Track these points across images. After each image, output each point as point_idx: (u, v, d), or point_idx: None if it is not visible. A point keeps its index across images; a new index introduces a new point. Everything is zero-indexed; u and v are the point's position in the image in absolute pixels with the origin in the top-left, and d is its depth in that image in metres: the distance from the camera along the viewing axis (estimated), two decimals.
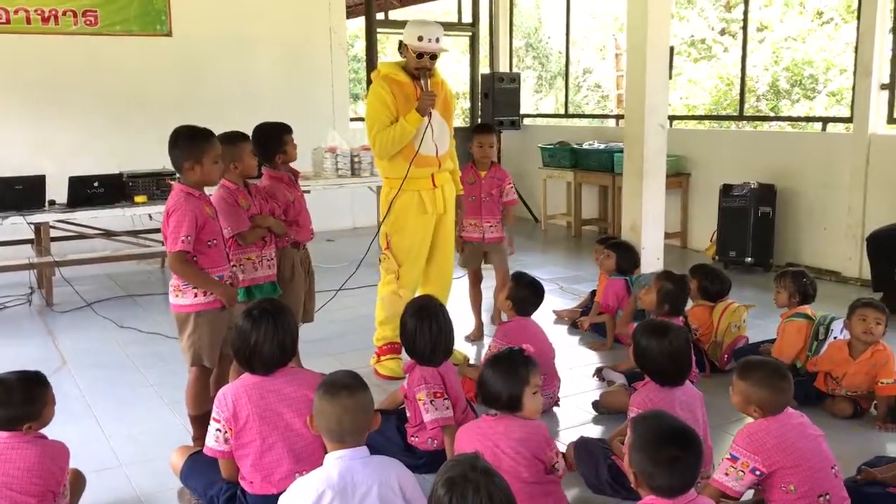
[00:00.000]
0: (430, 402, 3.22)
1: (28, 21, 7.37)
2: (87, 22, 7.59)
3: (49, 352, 5.01)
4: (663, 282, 4.29)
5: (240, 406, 2.76)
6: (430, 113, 4.34)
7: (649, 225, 5.44)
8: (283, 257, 4.10)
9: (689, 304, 4.67)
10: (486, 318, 5.33)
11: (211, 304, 3.37)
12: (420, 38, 4.32)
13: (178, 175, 3.50)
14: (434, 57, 4.40)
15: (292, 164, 4.32)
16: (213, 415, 2.81)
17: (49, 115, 7.58)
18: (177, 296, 3.39)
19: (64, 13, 7.49)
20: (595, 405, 3.97)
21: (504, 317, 4.28)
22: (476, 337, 5.14)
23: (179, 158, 3.35)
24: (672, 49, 6.24)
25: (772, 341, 4.43)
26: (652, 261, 5.46)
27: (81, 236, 6.77)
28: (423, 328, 3.36)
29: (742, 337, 4.52)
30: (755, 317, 4.86)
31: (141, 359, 4.87)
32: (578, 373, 4.54)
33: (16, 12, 7.31)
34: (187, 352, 3.40)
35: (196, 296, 3.36)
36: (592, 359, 4.82)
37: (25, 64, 7.44)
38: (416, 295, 4.18)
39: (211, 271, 3.37)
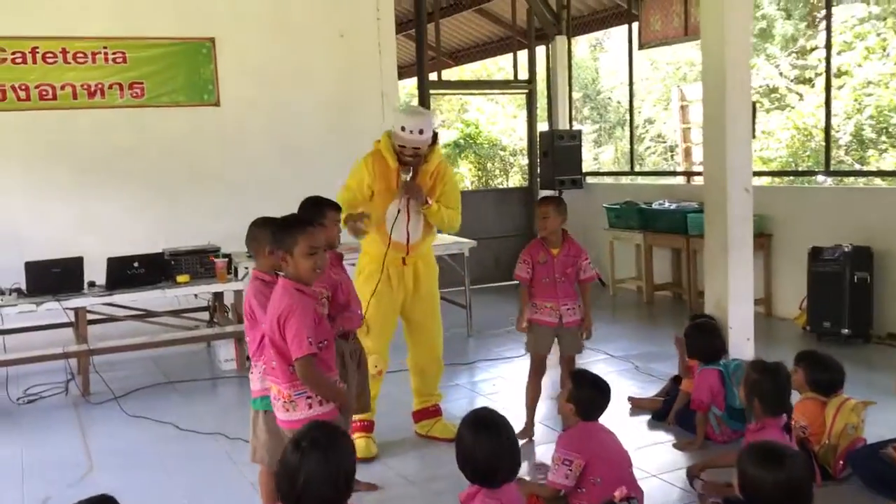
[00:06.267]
0: None
1: (74, 96, 7.22)
2: (134, 94, 7.42)
3: (77, 453, 4.60)
4: (749, 372, 3.68)
5: None
6: (407, 201, 4.34)
7: (737, 301, 4.80)
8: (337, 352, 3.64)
9: (797, 396, 4.04)
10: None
11: (329, 413, 3.02)
12: (403, 129, 4.25)
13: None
14: (418, 148, 4.30)
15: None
16: None
17: (94, 190, 7.37)
18: (287, 409, 3.03)
19: (110, 86, 7.33)
20: None
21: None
22: (524, 437, 4.39)
23: (290, 246, 3.02)
24: (754, 105, 5.67)
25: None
26: (741, 341, 4.82)
27: (118, 318, 6.46)
28: (482, 442, 2.82)
29: (860, 439, 3.85)
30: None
31: (174, 459, 4.44)
32: (664, 479, 3.93)
33: (62, 87, 7.17)
34: None
35: (311, 407, 3.02)
36: (679, 460, 4.20)
37: (71, 139, 7.26)
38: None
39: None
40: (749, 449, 2.69)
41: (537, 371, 4.56)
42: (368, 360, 4.09)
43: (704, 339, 4.55)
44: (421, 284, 4.50)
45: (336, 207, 3.79)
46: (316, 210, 3.68)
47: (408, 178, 4.33)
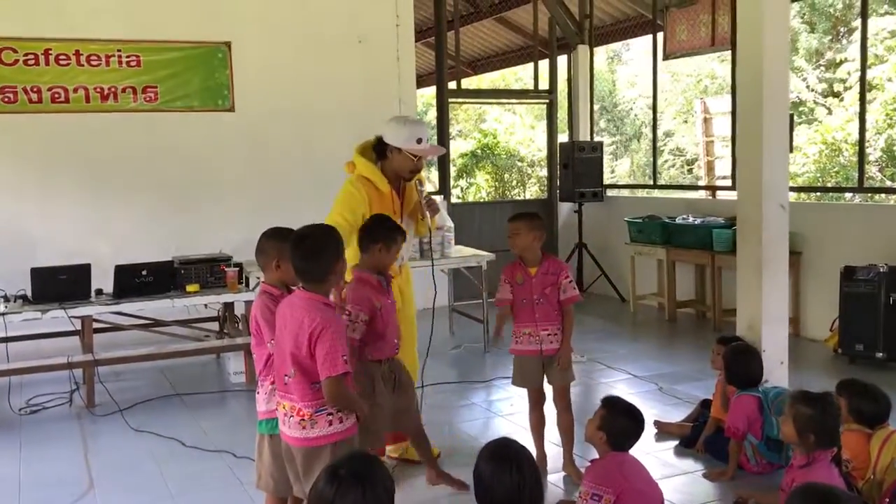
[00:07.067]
0: None
1: (87, 99, 7.09)
2: (147, 98, 7.28)
3: (78, 471, 4.40)
4: (798, 406, 3.41)
5: None
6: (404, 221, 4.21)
7: (771, 324, 4.56)
8: (362, 372, 3.47)
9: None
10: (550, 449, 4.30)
11: (349, 429, 2.90)
12: (419, 141, 4.11)
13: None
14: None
15: None
16: None
17: (105, 195, 7.24)
18: (304, 427, 2.86)
19: (123, 90, 7.19)
20: None
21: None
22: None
23: (325, 264, 2.89)
24: (792, 117, 5.44)
25: None
26: (774, 366, 4.58)
27: (125, 327, 6.27)
28: (502, 477, 2.60)
29: None
30: None
31: (177, 479, 4.23)
32: None
33: (75, 90, 7.04)
34: None
35: (331, 423, 2.86)
36: (709, 491, 3.96)
37: (83, 142, 7.14)
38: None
39: None
40: (800, 490, 2.46)
41: (536, 403, 4.21)
42: None
43: (745, 363, 4.30)
44: (404, 294, 4.33)
45: (404, 236, 3.80)
46: (389, 234, 3.66)
47: (423, 191, 4.19)
